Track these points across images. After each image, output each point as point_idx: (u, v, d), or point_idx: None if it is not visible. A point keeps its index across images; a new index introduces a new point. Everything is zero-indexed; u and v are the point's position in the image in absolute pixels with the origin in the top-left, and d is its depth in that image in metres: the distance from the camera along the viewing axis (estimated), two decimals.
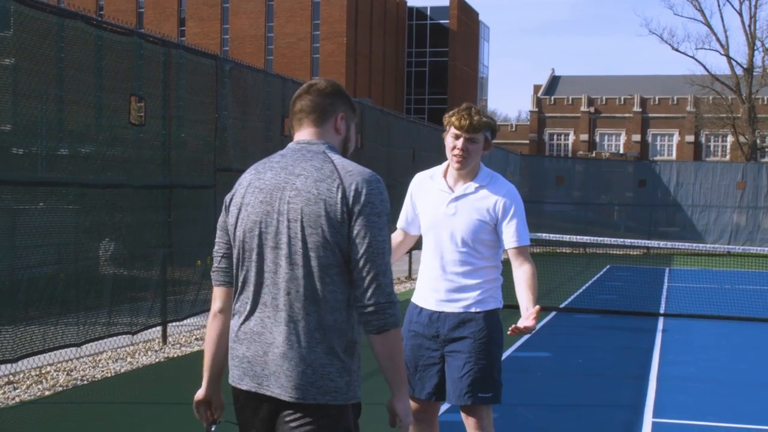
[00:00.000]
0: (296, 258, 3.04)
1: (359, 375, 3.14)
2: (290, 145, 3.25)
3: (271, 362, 3.06)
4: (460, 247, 4.66)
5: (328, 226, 3.01)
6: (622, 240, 19.89)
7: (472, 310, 4.66)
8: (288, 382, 3.03)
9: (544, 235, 18.47)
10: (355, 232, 3.02)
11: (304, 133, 3.25)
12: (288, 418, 3.06)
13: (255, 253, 3.12)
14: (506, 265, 4.72)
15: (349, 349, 3.09)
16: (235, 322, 3.20)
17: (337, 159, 3.14)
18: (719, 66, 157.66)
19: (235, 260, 3.20)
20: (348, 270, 3.06)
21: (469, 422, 4.69)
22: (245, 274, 3.16)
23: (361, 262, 3.02)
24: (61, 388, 7.95)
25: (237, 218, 3.17)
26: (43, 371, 8.47)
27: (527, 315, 4.47)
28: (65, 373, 8.49)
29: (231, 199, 3.23)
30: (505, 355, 10.11)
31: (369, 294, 3.03)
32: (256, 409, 3.14)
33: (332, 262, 3.04)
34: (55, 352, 8.27)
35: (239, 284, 3.18)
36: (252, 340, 3.11)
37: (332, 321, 3.05)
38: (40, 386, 7.95)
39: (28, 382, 8.01)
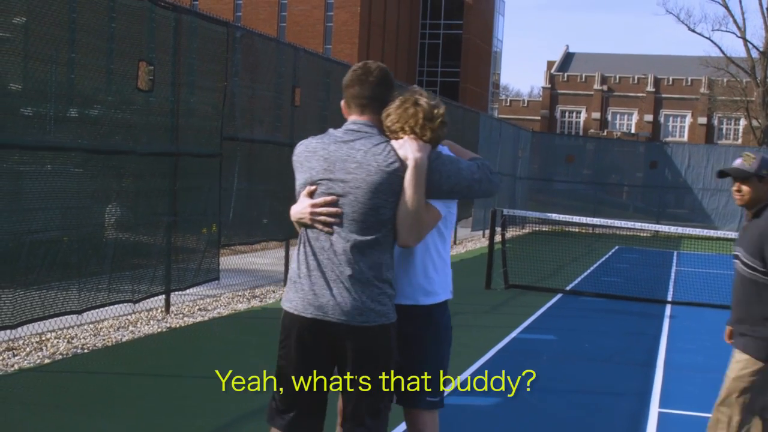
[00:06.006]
0: (356, 216, 3.67)
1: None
2: (349, 125, 3.82)
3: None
4: None
5: (383, 191, 3.65)
6: (632, 223, 19.73)
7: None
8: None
9: (554, 216, 18.34)
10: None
11: (365, 117, 3.82)
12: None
13: None
14: None
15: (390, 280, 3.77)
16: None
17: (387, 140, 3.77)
18: (735, 48, 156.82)
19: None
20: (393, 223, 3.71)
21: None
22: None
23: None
24: (61, 356, 7.85)
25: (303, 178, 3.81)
26: (44, 338, 8.37)
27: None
28: (66, 340, 8.39)
29: (296, 161, 3.86)
30: (509, 336, 10.00)
31: None
32: None
33: (387, 218, 3.69)
34: (56, 319, 8.17)
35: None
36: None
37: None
38: (40, 354, 7.85)
39: (27, 349, 7.91)
